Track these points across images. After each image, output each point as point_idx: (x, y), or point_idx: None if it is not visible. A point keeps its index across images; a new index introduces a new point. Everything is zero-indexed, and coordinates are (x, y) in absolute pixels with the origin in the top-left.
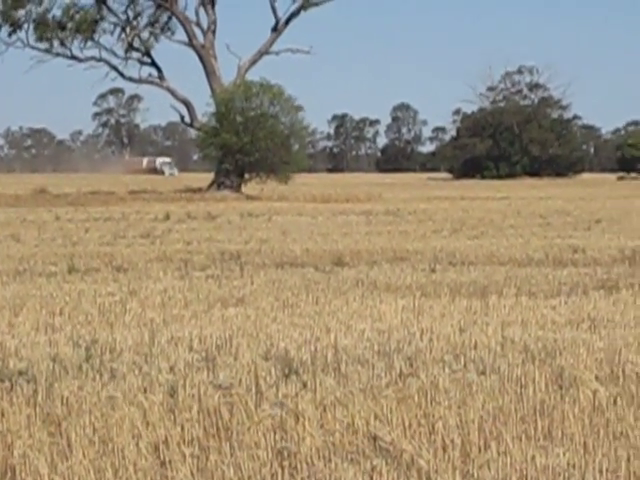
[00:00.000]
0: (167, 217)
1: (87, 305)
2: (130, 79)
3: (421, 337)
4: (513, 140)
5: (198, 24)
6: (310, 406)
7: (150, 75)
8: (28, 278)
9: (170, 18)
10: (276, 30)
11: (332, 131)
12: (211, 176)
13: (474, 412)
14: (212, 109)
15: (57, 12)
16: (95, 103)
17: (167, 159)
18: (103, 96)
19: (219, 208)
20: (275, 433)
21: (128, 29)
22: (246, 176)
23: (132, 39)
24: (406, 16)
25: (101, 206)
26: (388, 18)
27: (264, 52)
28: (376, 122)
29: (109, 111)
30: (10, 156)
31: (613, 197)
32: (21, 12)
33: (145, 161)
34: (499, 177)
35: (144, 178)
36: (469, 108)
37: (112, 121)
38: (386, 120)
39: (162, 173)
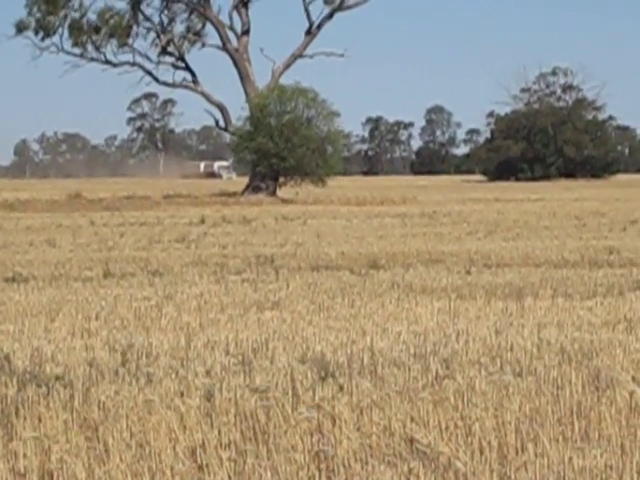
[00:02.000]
0: (202, 221)
1: (123, 310)
2: (164, 83)
3: (457, 339)
4: (548, 142)
5: (232, 28)
6: (347, 409)
7: (184, 79)
8: (64, 283)
9: (204, 23)
10: (310, 33)
11: (367, 134)
12: (246, 180)
13: (511, 414)
14: (246, 113)
15: (92, 17)
16: (129, 108)
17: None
18: (137, 101)
19: (254, 212)
20: (312, 436)
21: (162, 34)
22: (281, 180)
23: (166, 44)
24: (439, 18)
25: (136, 211)
26: (421, 20)
27: (298, 55)
28: (410, 125)
29: (143, 116)
30: (45, 161)
31: None
32: (55, 17)
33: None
34: (534, 179)
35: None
36: (503, 110)
37: (146, 126)
38: (420, 123)
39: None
